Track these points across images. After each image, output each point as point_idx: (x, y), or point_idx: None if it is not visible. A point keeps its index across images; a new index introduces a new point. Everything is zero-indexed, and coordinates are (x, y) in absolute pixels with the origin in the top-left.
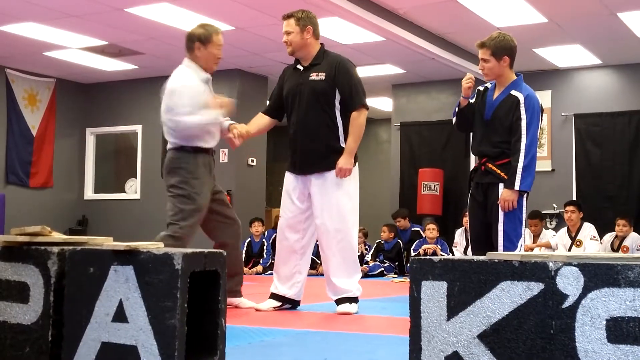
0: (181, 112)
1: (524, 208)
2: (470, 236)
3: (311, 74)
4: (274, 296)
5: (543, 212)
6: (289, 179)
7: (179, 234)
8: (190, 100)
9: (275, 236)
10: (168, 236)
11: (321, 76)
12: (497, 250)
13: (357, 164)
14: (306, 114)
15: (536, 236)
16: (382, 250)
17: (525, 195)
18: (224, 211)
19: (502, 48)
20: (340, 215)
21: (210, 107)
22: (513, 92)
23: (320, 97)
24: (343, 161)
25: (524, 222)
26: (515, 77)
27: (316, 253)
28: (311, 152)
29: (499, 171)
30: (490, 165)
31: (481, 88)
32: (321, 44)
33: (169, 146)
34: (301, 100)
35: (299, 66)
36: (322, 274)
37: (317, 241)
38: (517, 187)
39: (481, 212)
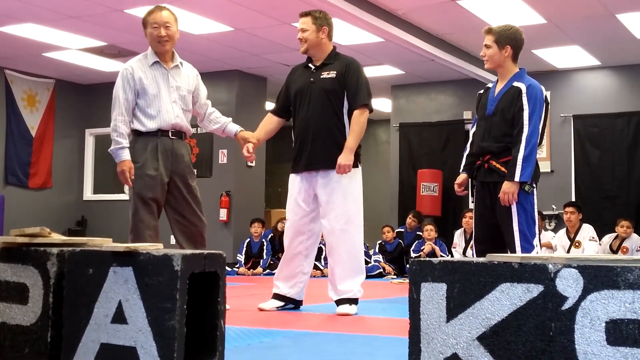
0: (116, 104)
1: (535, 206)
2: (475, 236)
3: (322, 73)
4: (277, 296)
5: (542, 213)
6: (294, 182)
7: (130, 225)
8: (121, 81)
9: (272, 235)
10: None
11: (332, 74)
12: (514, 251)
13: (360, 165)
14: (315, 112)
15: None
16: (385, 251)
17: (534, 190)
18: (183, 211)
19: (506, 37)
20: (346, 216)
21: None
22: (515, 84)
23: (330, 95)
24: (342, 158)
25: (537, 220)
26: (518, 70)
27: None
28: (318, 148)
29: (503, 169)
30: (494, 163)
31: (481, 91)
32: (334, 46)
33: None
34: (311, 98)
35: (310, 65)
36: (314, 277)
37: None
38: (516, 178)
39: (488, 213)
